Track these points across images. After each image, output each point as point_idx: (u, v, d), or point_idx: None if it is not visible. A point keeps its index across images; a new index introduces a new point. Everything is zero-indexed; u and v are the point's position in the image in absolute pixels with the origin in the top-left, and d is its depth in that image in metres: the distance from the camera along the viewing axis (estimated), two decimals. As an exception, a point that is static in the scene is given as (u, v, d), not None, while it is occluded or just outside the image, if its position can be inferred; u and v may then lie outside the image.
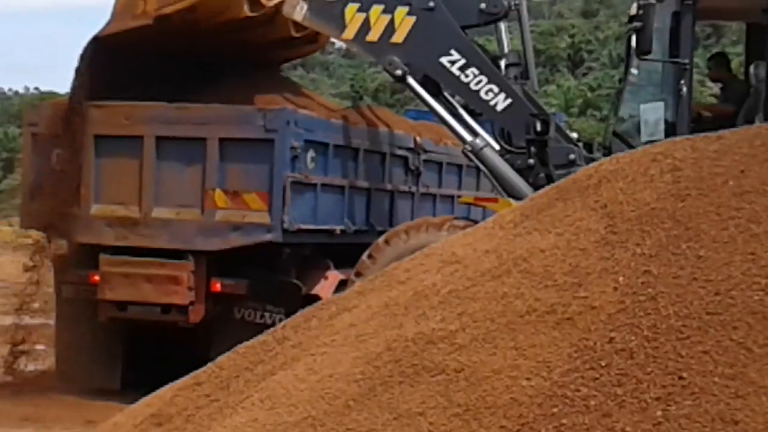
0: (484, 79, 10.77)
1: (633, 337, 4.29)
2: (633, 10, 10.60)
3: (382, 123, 12.89)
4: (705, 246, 4.69)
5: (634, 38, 10.51)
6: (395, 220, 12.84)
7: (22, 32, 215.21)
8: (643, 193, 5.20)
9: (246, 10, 11.12)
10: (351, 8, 10.93)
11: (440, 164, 13.93)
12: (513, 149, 10.91)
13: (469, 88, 10.83)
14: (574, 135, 21.65)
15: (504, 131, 11.12)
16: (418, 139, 13.32)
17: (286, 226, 10.78)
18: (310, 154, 11.19)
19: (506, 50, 11.43)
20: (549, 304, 4.63)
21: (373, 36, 10.93)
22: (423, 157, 13.39)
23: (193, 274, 11.01)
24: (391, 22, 10.87)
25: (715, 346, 4.16)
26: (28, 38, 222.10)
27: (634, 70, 10.86)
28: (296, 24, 11.53)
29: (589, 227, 5.11)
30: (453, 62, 10.79)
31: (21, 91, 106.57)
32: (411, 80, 11.01)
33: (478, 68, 10.82)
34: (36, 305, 18.56)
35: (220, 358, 5.55)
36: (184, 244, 11.05)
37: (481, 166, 10.91)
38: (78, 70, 11.30)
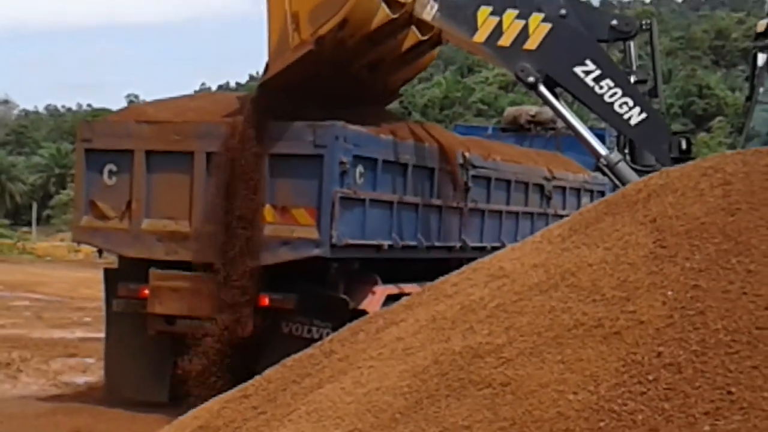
0: (619, 92, 10.66)
1: (681, 352, 4.26)
2: (761, 27, 10.50)
3: (431, 138, 12.89)
4: (755, 260, 4.65)
5: (762, 56, 10.39)
6: (443, 235, 12.82)
7: (75, 50, 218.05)
8: (692, 207, 5.17)
9: (388, 13, 11.16)
10: (484, 11, 10.85)
11: (489, 179, 13.90)
12: (640, 167, 10.72)
13: (603, 100, 10.71)
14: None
15: (626, 145, 10.98)
16: (467, 154, 13.30)
17: (334, 241, 10.81)
18: (359, 169, 11.21)
19: (633, 74, 11.30)
20: (596, 319, 4.61)
21: (506, 41, 10.84)
22: (472, 172, 13.36)
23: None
24: (525, 27, 10.78)
25: (764, 361, 4.11)
26: (82, 56, 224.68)
27: (762, 89, 10.69)
28: (421, 28, 11.58)
29: (637, 241, 5.08)
30: (587, 72, 10.69)
31: (74, 108, 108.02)
32: (543, 88, 10.91)
33: (612, 80, 10.70)
34: (87, 319, 18.83)
35: (268, 371, 5.58)
36: (233, 259, 11.09)
37: (616, 181, 10.77)
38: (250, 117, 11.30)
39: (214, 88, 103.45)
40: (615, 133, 24.97)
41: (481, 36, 10.91)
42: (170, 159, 11.43)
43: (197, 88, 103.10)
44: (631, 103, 10.63)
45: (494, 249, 7.25)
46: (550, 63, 10.81)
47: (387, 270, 11.82)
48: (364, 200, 11.30)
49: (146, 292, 11.33)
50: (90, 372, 14.39)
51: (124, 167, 11.60)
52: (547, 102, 11.13)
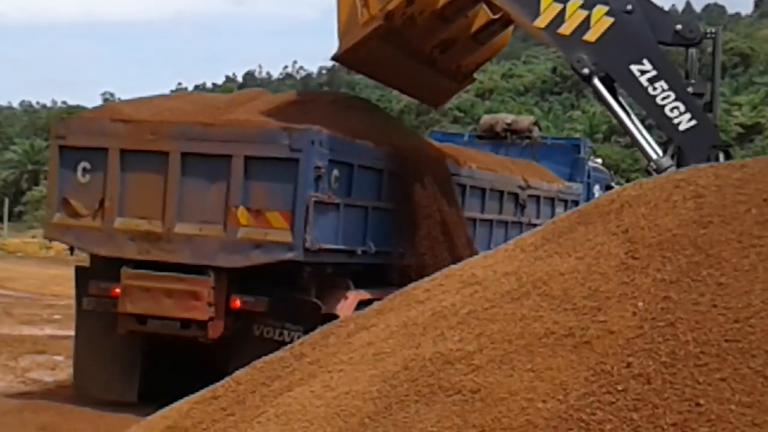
0: (672, 95, 10.59)
1: (651, 363, 4.28)
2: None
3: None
4: (726, 273, 4.68)
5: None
6: (417, 241, 12.81)
7: (51, 46, 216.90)
8: (665, 219, 5.20)
9: None
10: None
11: (464, 187, 13.92)
12: None
13: (655, 102, 10.65)
14: (599, 160, 21.77)
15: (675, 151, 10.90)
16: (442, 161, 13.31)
17: (307, 245, 10.79)
18: (335, 173, 11.20)
19: (693, 79, 11.14)
20: (567, 328, 4.62)
21: (566, 29, 10.73)
22: (451, 179, 13.36)
23: (214, 290, 11.02)
24: (588, 18, 10.67)
25: (732, 374, 4.14)
26: (57, 53, 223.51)
27: None
28: (492, 7, 11.48)
29: (609, 252, 5.11)
30: (643, 72, 10.61)
31: (49, 104, 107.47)
32: (597, 82, 10.83)
33: (667, 83, 10.62)
34: (57, 316, 18.71)
35: (237, 373, 5.57)
36: (206, 260, 11.07)
37: None
38: None
39: (190, 88, 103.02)
40: (590, 143, 25.00)
41: (542, 21, 10.78)
42: (145, 158, 11.39)
43: (174, 87, 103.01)
44: (682, 108, 10.56)
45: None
46: (607, 57, 10.69)
47: (360, 275, 11.82)
48: (338, 205, 11.30)
49: (117, 291, 11.27)
50: (59, 370, 14.31)
51: (98, 165, 11.54)
52: (599, 96, 11.04)
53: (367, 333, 5.34)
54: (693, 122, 10.56)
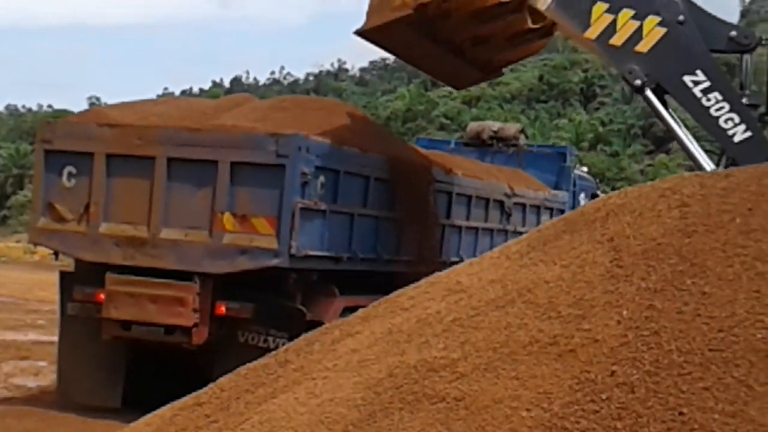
0: (726, 107, 10.44)
1: (634, 372, 4.29)
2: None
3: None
4: (710, 283, 4.69)
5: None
6: (402, 248, 12.83)
7: (38, 49, 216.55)
8: (649, 227, 5.22)
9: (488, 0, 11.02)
10: (599, 7, 10.61)
11: (450, 194, 13.93)
12: None
13: (709, 113, 10.49)
14: (585, 169, 21.81)
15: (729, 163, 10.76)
16: (428, 168, 13.33)
17: (293, 251, 10.78)
18: (321, 180, 11.20)
19: (748, 89, 10.95)
20: (552, 336, 4.63)
21: (618, 40, 10.62)
22: (433, 186, 13.39)
23: (199, 296, 11.00)
24: (640, 29, 10.55)
25: (716, 383, 4.15)
26: (43, 56, 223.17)
27: None
28: (533, 16, 11.39)
29: (594, 260, 5.12)
30: (697, 83, 10.49)
31: (35, 108, 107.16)
32: (650, 93, 10.68)
33: (722, 93, 10.50)
34: (41, 322, 18.65)
35: (222, 380, 5.56)
36: (191, 266, 11.05)
37: None
38: None
39: (177, 92, 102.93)
40: (576, 152, 25.03)
41: (593, 32, 10.68)
42: (131, 163, 11.36)
43: (160, 92, 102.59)
44: (737, 119, 10.42)
45: (453, 264, 7.27)
46: (659, 68, 10.57)
47: (345, 282, 11.81)
48: (324, 211, 11.30)
49: (102, 296, 11.24)
50: (42, 375, 14.26)
51: (83, 170, 11.50)
52: (652, 107, 10.88)
53: (352, 340, 5.34)
54: (748, 134, 10.40)
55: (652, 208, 5.36)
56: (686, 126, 11.36)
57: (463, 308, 5.12)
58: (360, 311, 5.94)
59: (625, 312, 4.64)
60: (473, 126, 20.00)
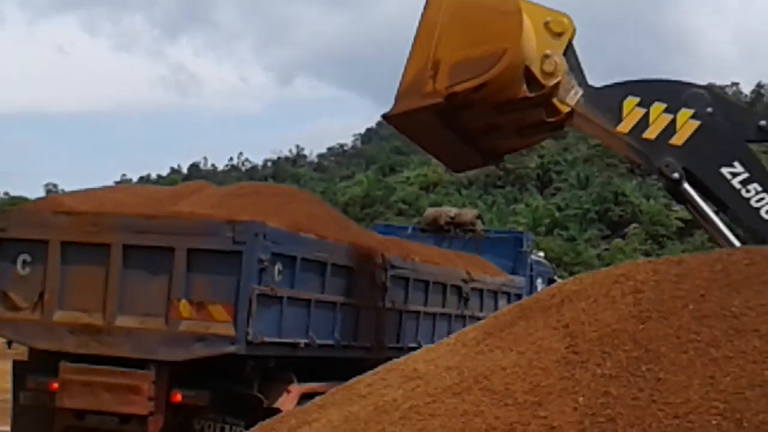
0: (767, 197, 10.35)
1: (591, 459, 4.29)
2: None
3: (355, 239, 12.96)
4: (664, 369, 4.73)
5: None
6: (360, 335, 12.80)
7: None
8: (604, 314, 5.26)
9: (525, 91, 10.97)
10: (630, 101, 10.59)
11: (407, 280, 13.95)
12: None
13: (749, 205, 10.37)
14: (541, 254, 21.94)
15: None
16: (386, 254, 13.36)
17: (250, 338, 10.71)
18: (278, 266, 11.17)
19: None
20: (508, 423, 4.63)
21: (651, 134, 10.57)
22: (390, 272, 13.41)
23: (154, 384, 10.87)
24: (673, 122, 10.52)
25: (672, 470, 4.16)
26: (1, 143, 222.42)
27: None
28: (547, 109, 11.33)
29: (550, 346, 5.14)
30: (735, 174, 10.39)
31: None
32: (688, 186, 10.56)
33: (761, 184, 10.39)
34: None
35: (177, 470, 5.49)
36: (147, 354, 10.94)
37: None
38: None
39: (135, 179, 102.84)
40: (533, 237, 25.14)
41: (625, 126, 10.65)
42: (86, 250, 11.29)
43: (118, 179, 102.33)
44: None
45: (411, 350, 7.26)
46: (695, 161, 10.49)
47: (303, 368, 11.74)
48: (281, 298, 11.25)
49: (56, 385, 11.08)
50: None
51: (38, 257, 11.41)
52: (690, 200, 10.73)
53: (309, 428, 5.31)
54: None
55: (606, 295, 5.41)
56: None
57: (419, 395, 5.11)
58: (317, 399, 5.92)
59: (581, 398, 4.65)
60: (430, 212, 20.10)
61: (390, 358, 6.18)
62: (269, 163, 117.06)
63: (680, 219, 68.44)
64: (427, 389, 5.17)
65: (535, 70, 10.92)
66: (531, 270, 18.84)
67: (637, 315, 5.15)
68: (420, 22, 11.04)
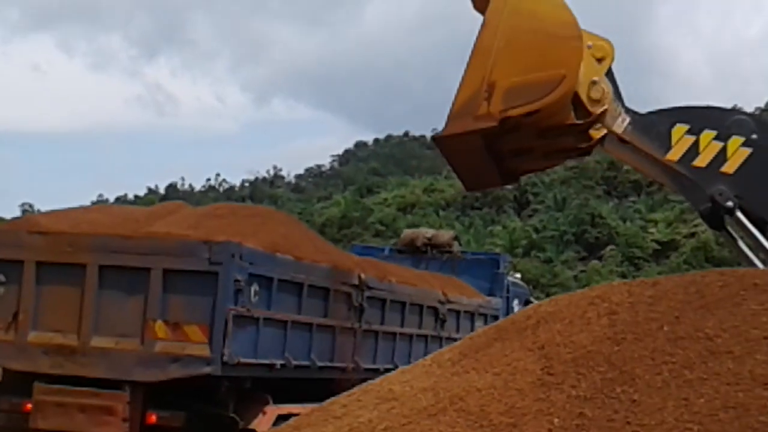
0: None
1: (566, 480, 4.29)
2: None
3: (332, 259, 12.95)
4: (639, 390, 4.74)
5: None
6: (336, 356, 12.78)
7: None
8: (579, 335, 5.27)
9: (572, 117, 10.95)
10: (679, 129, 10.53)
11: (384, 301, 13.95)
12: None
13: None
14: (518, 275, 21.98)
15: None
16: (362, 275, 13.36)
17: (225, 359, 10.69)
18: (254, 287, 11.16)
19: None
20: (483, 445, 4.63)
21: (702, 162, 10.37)
22: (367, 293, 13.41)
23: (129, 405, 10.82)
24: (723, 150, 10.35)
25: (646, 491, 4.16)
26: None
27: None
28: (583, 134, 11.28)
29: (526, 368, 5.15)
30: None
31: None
32: (741, 215, 10.30)
33: None
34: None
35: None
36: (122, 375, 10.89)
37: None
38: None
39: (112, 199, 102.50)
40: (510, 258, 25.18)
41: (675, 154, 10.61)
42: (62, 271, 11.24)
43: (95, 199, 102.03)
44: None
45: (387, 371, 7.25)
46: (748, 189, 10.26)
47: (279, 389, 11.71)
48: (257, 319, 11.23)
49: (29, 406, 11.02)
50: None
51: (13, 278, 11.36)
52: (744, 229, 10.46)
53: (283, 450, 5.29)
54: None
55: (581, 316, 5.42)
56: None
57: (395, 417, 5.10)
58: (292, 420, 5.91)
59: (556, 420, 4.66)
60: (407, 233, 20.13)
61: (366, 380, 6.16)
62: (246, 184, 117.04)
63: (656, 241, 68.79)
64: (402, 410, 5.16)
65: (583, 96, 10.93)
66: (508, 291, 18.89)
67: (612, 336, 5.16)
68: (475, 45, 11.01)
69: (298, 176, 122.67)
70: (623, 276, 55.59)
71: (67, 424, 10.87)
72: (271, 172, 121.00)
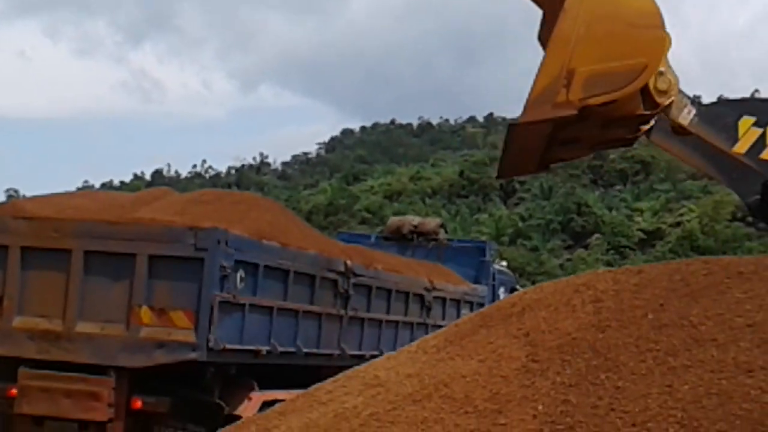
0: None
1: (550, 466, 4.31)
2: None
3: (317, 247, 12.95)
4: (623, 377, 4.76)
5: None
6: (322, 342, 12.79)
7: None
8: (564, 322, 5.28)
9: (642, 108, 10.90)
10: (746, 121, 10.58)
11: (370, 288, 13.96)
12: None
13: None
14: (504, 263, 21.99)
15: None
16: (348, 262, 13.37)
17: (211, 345, 10.69)
18: (240, 273, 11.15)
19: None
20: (468, 431, 4.64)
21: None
22: (353, 280, 13.41)
23: (114, 390, 10.82)
24: None
25: (630, 477, 4.18)
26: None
27: None
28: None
29: (511, 355, 5.16)
30: None
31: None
32: None
33: None
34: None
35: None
36: (107, 360, 10.88)
37: None
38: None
39: (97, 185, 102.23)
40: (496, 246, 25.13)
41: (742, 147, 10.65)
42: (47, 256, 11.22)
43: (80, 185, 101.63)
44: None
45: (373, 357, 7.26)
46: None
47: (264, 376, 11.71)
48: (243, 305, 11.23)
49: (14, 391, 11.00)
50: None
51: (-3, 262, 11.34)
52: None
53: (269, 435, 5.30)
54: None
55: (566, 303, 5.44)
56: None
57: (380, 402, 5.12)
58: (277, 406, 5.91)
59: (540, 406, 4.67)
60: (393, 220, 20.13)
61: (352, 366, 6.17)
62: (233, 171, 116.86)
63: (642, 230, 68.96)
64: (387, 396, 5.18)
65: (651, 87, 10.94)
66: (494, 279, 18.91)
67: (597, 324, 5.18)
68: (554, 32, 10.95)
69: (284, 163, 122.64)
70: (609, 264, 55.75)
71: (52, 409, 10.86)
72: (258, 159, 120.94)
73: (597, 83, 10.53)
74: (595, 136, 11.96)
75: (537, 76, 10.96)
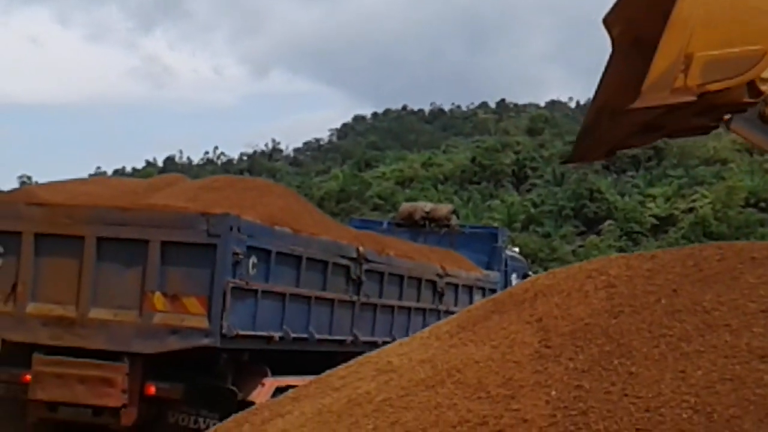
0: None
1: (563, 451, 4.31)
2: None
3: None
4: (636, 363, 4.75)
5: None
6: (335, 328, 12.80)
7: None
8: (577, 308, 5.28)
9: (746, 96, 10.88)
10: None
11: (382, 274, 13.96)
12: None
13: None
14: (516, 249, 21.97)
15: None
16: (361, 248, 13.38)
17: (224, 331, 10.72)
18: (252, 260, 11.17)
19: None
20: (481, 416, 4.64)
21: None
22: (365, 267, 13.42)
23: (128, 376, 10.86)
24: None
25: (643, 462, 4.18)
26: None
27: None
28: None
29: (523, 340, 5.16)
30: None
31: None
32: None
33: None
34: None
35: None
36: (120, 346, 10.92)
37: None
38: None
39: (110, 172, 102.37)
40: (508, 232, 25.11)
41: None
42: (60, 242, 11.25)
43: (92, 171, 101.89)
44: None
45: (385, 344, 7.26)
46: None
47: (277, 362, 11.74)
48: (256, 291, 11.25)
49: (28, 377, 11.06)
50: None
51: (11, 249, 11.36)
52: None
53: (282, 420, 5.31)
54: None
55: (579, 289, 5.43)
56: None
57: (393, 388, 5.12)
58: (290, 391, 5.92)
59: (553, 392, 4.67)
60: (405, 206, 20.13)
61: (364, 352, 6.18)
62: (245, 157, 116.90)
63: (654, 216, 68.80)
64: (400, 382, 5.19)
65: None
66: (506, 265, 18.90)
67: (610, 309, 5.17)
68: (671, 16, 10.82)
69: (296, 150, 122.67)
70: (621, 251, 55.66)
71: (66, 395, 10.91)
72: (270, 146, 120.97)
73: (716, 69, 10.38)
74: (681, 124, 11.87)
75: (654, 60, 10.80)
